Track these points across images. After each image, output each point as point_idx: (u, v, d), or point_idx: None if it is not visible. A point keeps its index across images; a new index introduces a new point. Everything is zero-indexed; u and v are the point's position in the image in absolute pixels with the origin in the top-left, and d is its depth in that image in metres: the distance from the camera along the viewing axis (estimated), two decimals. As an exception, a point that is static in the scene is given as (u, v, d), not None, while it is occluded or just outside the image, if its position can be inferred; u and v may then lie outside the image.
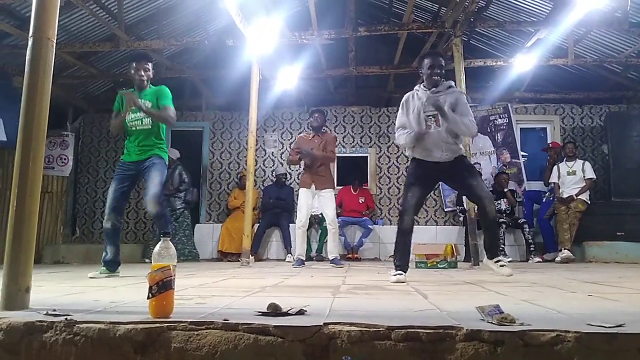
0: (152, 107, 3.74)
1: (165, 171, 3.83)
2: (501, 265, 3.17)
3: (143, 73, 3.80)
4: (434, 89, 3.40)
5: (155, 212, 3.70)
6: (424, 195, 3.48)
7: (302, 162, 5.59)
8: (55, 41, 1.89)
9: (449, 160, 3.36)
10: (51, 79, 1.86)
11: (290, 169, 8.11)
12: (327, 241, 5.75)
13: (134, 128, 3.78)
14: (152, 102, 3.77)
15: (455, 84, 3.64)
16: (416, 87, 3.54)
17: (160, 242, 1.58)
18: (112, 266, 3.71)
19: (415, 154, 3.43)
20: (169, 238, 1.59)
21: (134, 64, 3.82)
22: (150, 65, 3.86)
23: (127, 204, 3.96)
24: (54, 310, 1.53)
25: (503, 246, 6.73)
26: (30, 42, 1.84)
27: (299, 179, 7.88)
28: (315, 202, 5.45)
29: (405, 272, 3.24)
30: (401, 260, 3.29)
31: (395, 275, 3.17)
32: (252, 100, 5.69)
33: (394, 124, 8.15)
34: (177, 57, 8.00)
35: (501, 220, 6.77)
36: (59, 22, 1.96)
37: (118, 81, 7.88)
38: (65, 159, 7.93)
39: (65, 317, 1.42)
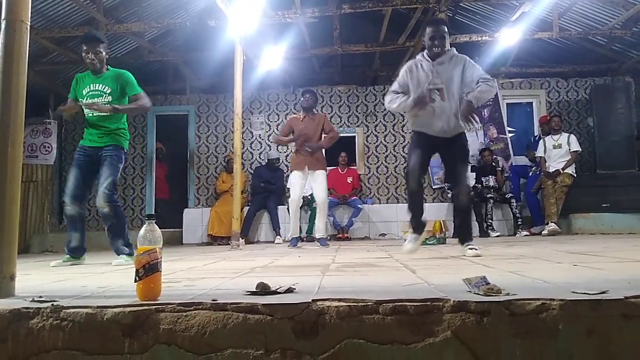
0: (113, 92, 3.52)
1: (121, 163, 3.58)
2: (470, 249, 3.19)
3: (94, 57, 3.50)
4: (438, 59, 3.30)
5: (104, 211, 3.43)
6: (427, 157, 3.45)
7: (293, 143, 5.55)
8: (29, 23, 1.83)
9: (450, 137, 3.34)
10: (27, 62, 1.81)
11: (278, 150, 8.07)
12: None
13: (91, 114, 3.52)
14: (113, 87, 3.53)
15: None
16: (419, 57, 3.42)
17: (145, 225, 1.56)
18: (77, 253, 3.56)
19: (417, 127, 3.42)
20: (154, 221, 1.58)
21: (83, 47, 3.56)
22: (102, 47, 3.55)
23: (90, 191, 3.69)
24: (40, 296, 1.51)
25: (491, 221, 6.83)
26: (2, 25, 1.78)
27: (287, 161, 7.87)
28: (307, 182, 5.43)
29: (421, 233, 3.43)
30: (415, 221, 3.41)
31: (408, 242, 3.36)
32: (237, 82, 5.62)
33: (382, 103, 8.30)
34: (158, 40, 7.86)
35: (489, 195, 6.85)
36: (35, 6, 1.92)
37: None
38: (49, 147, 7.81)
39: (51, 302, 1.40)
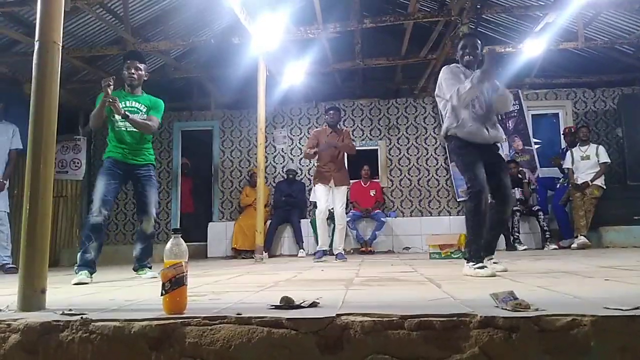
0: (147, 112, 3.63)
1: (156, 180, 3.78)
2: (494, 262, 3.01)
3: (134, 71, 3.62)
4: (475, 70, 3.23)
5: (150, 232, 3.63)
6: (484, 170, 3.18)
7: (317, 157, 5.54)
8: (61, 44, 1.90)
9: (492, 143, 3.20)
10: (59, 81, 1.87)
11: (300, 164, 8.12)
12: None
13: (124, 129, 3.57)
14: (147, 108, 3.65)
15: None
16: (457, 66, 3.34)
17: (171, 240, 1.59)
18: (93, 267, 3.37)
19: (464, 135, 3.15)
20: (180, 235, 1.60)
21: (127, 61, 3.68)
22: (142, 66, 3.68)
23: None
24: (70, 310, 1.55)
25: (518, 234, 6.69)
26: (36, 46, 1.85)
27: (310, 174, 7.90)
28: (331, 196, 5.44)
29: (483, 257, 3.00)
30: (478, 249, 2.99)
31: (481, 268, 2.81)
32: (260, 97, 5.70)
33: (403, 116, 8.30)
34: (184, 57, 8.04)
35: (515, 208, 6.73)
36: (66, 27, 1.98)
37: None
38: (78, 163, 8.02)
39: (80, 316, 1.43)
